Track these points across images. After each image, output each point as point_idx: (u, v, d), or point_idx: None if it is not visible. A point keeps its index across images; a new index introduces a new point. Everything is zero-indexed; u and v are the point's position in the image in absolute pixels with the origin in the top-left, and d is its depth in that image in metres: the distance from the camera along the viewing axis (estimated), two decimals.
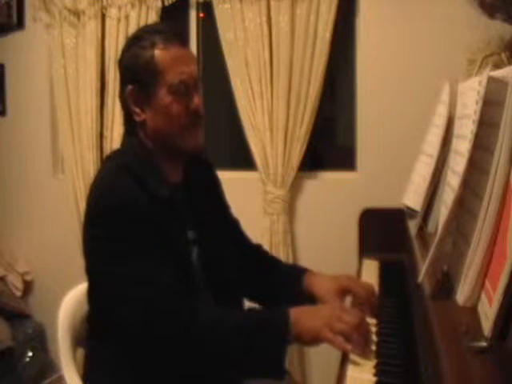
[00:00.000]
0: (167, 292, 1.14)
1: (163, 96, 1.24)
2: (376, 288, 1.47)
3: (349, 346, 1.08)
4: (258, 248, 1.56)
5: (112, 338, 1.22)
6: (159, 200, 1.22)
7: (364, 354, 1.09)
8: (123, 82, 1.30)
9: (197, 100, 1.27)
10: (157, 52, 1.24)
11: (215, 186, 1.48)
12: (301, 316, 1.13)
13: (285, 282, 1.44)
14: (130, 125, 1.31)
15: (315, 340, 1.11)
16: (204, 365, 1.14)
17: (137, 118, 1.27)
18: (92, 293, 1.30)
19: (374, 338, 1.17)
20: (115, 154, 1.36)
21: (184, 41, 1.32)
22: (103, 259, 1.18)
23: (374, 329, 1.21)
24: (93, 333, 1.32)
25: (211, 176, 1.48)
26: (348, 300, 1.41)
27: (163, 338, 1.12)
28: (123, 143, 1.36)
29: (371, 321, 1.25)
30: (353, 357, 1.09)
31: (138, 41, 1.28)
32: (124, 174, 1.21)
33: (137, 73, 1.25)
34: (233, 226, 1.52)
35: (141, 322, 1.12)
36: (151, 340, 1.13)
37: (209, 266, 1.32)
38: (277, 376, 1.14)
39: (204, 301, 1.26)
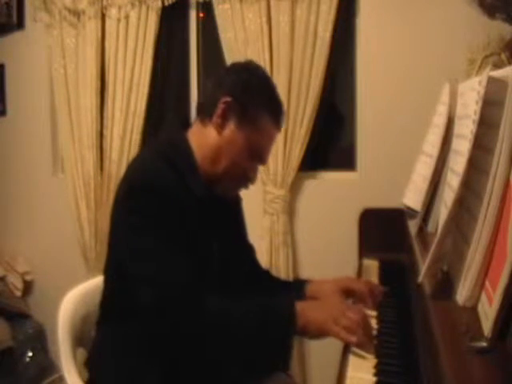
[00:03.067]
0: (183, 274, 1.15)
1: (241, 144, 1.27)
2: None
3: (354, 338, 1.10)
4: (266, 273, 1.58)
5: (125, 321, 1.23)
6: (194, 197, 1.24)
7: (366, 348, 1.11)
8: (226, 86, 1.29)
9: (256, 173, 1.34)
10: (267, 115, 1.29)
11: (238, 206, 1.51)
12: (306, 309, 1.15)
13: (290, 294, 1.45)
14: (201, 116, 1.32)
15: (320, 332, 1.13)
16: (210, 354, 1.15)
17: (215, 126, 1.28)
18: (110, 270, 1.31)
19: (374, 333, 1.18)
20: (159, 141, 1.37)
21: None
22: (128, 233, 1.20)
23: (374, 328, 1.21)
24: (104, 317, 1.33)
25: (237, 197, 1.50)
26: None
27: (172, 322, 1.13)
28: (171, 131, 1.38)
29: (372, 313, 1.28)
30: (354, 350, 1.10)
31: (262, 86, 1.31)
32: (163, 162, 1.23)
33: (242, 103, 1.27)
34: (248, 250, 1.53)
35: (154, 303, 1.14)
36: (160, 323, 1.14)
37: (226, 279, 1.32)
38: (282, 368, 1.15)
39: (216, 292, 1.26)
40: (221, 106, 1.27)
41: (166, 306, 1.13)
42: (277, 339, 1.12)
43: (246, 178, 1.32)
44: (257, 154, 1.30)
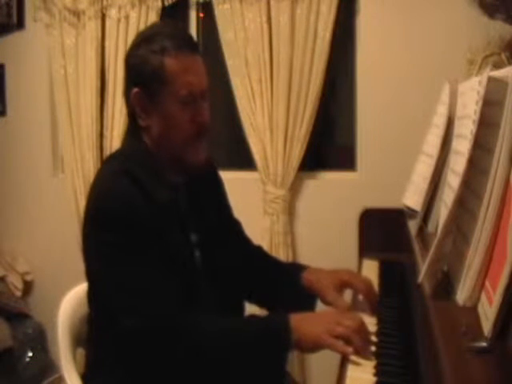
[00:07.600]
0: (165, 302, 1.13)
1: (170, 105, 1.21)
2: (376, 287, 1.48)
3: (350, 349, 1.07)
4: (258, 249, 1.55)
5: (111, 341, 1.20)
6: (160, 204, 1.20)
7: (364, 355, 1.08)
8: (128, 82, 1.26)
9: (204, 112, 1.24)
10: (167, 59, 1.20)
11: (217, 187, 1.46)
12: (300, 323, 1.12)
13: (284, 281, 1.43)
14: (133, 125, 1.28)
15: (315, 346, 1.11)
16: (202, 373, 1.13)
17: (141, 123, 1.24)
18: (91, 295, 1.29)
19: (374, 338, 1.16)
20: (115, 155, 1.33)
21: (195, 46, 1.27)
22: (101, 264, 1.16)
23: (374, 329, 1.21)
24: (92, 334, 1.31)
25: (214, 176, 1.46)
26: (347, 293, 1.41)
27: (159, 347, 1.11)
28: (124, 143, 1.34)
29: (371, 320, 1.25)
30: (352, 357, 1.08)
31: (148, 43, 1.22)
32: (124, 178, 1.18)
33: (144, 77, 1.21)
34: (234, 227, 1.50)
35: (137, 333, 1.10)
36: (148, 349, 1.12)
37: (211, 269, 1.30)
38: (277, 382, 1.15)
39: (205, 307, 1.24)
40: (134, 102, 1.22)
41: (158, 337, 1.10)
42: (271, 358, 1.11)
43: (198, 125, 1.23)
44: (191, 99, 1.21)
